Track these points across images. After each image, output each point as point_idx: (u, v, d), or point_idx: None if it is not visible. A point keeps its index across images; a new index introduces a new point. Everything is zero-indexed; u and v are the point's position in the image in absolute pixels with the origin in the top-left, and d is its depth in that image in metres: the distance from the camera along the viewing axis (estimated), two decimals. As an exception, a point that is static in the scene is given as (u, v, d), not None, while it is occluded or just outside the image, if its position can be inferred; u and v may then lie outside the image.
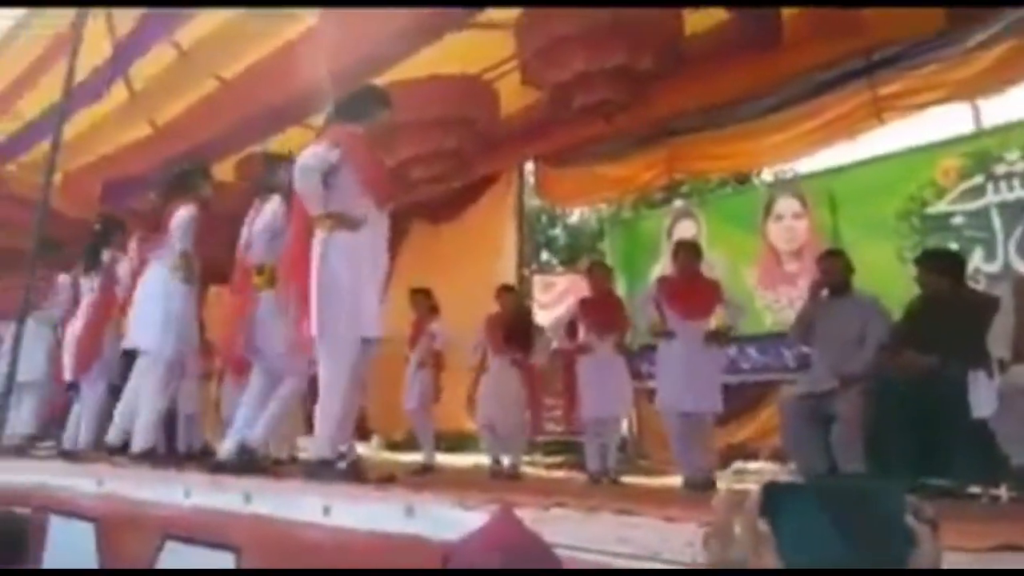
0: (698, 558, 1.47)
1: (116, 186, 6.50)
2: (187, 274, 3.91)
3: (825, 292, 3.77)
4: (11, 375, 4.47)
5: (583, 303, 4.80)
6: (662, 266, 5.65)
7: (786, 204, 5.79)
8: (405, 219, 7.12)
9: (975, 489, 3.00)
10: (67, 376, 4.66)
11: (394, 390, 5.55)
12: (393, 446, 8.13)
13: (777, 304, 5.64)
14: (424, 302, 5.44)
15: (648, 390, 5.53)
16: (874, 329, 3.48)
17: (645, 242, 6.29)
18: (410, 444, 6.22)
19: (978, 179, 4.82)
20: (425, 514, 1.89)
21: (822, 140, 5.16)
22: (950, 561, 0.99)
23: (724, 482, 4.25)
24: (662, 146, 5.87)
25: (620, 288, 5.91)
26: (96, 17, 4.86)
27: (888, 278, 4.60)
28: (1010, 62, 4.27)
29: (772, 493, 0.90)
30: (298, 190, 2.98)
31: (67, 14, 4.93)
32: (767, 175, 11.13)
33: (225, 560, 2.32)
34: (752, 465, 5.26)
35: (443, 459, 5.53)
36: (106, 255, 4.68)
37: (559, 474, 5.25)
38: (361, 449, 6.42)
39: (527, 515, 1.46)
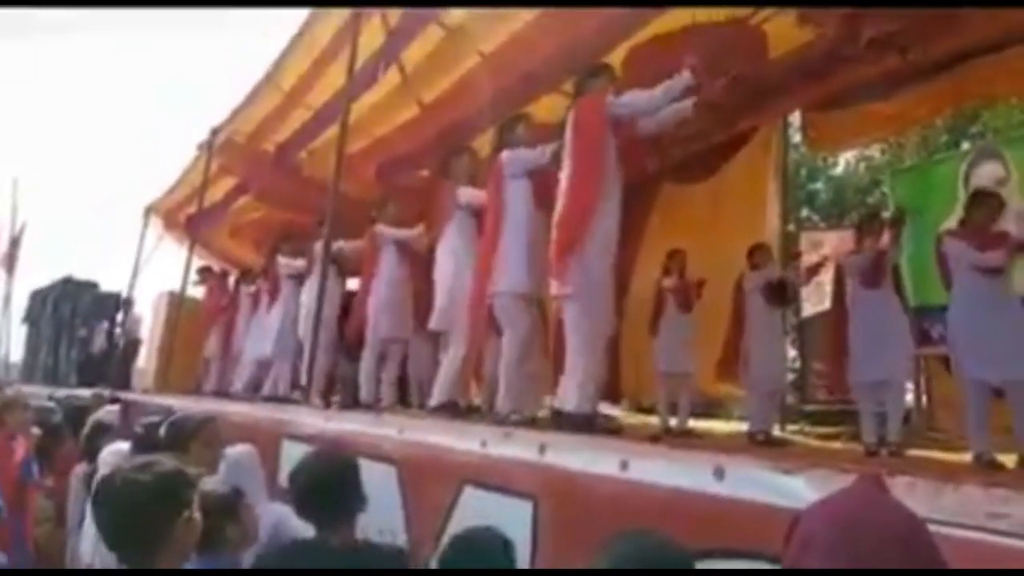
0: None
1: (388, 166, 7.12)
2: None
3: None
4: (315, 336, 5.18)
5: (847, 255, 4.44)
6: (958, 217, 4.91)
7: None
8: (654, 182, 6.99)
9: None
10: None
11: (645, 353, 5.51)
12: (642, 410, 8.12)
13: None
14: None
15: (940, 356, 4.92)
16: None
17: (936, 191, 5.49)
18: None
19: None
20: (738, 476, 1.80)
21: None
22: None
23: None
24: (948, 73, 5.10)
25: (907, 246, 5.29)
26: (371, 16, 5.32)
27: None
28: None
29: None
30: None
31: (344, 13, 5.47)
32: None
33: (522, 508, 2.42)
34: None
35: (692, 423, 5.39)
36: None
37: (835, 445, 4.86)
38: (613, 411, 6.52)
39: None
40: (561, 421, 3.25)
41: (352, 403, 5.29)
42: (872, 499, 1.06)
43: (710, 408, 6.73)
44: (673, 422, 5.22)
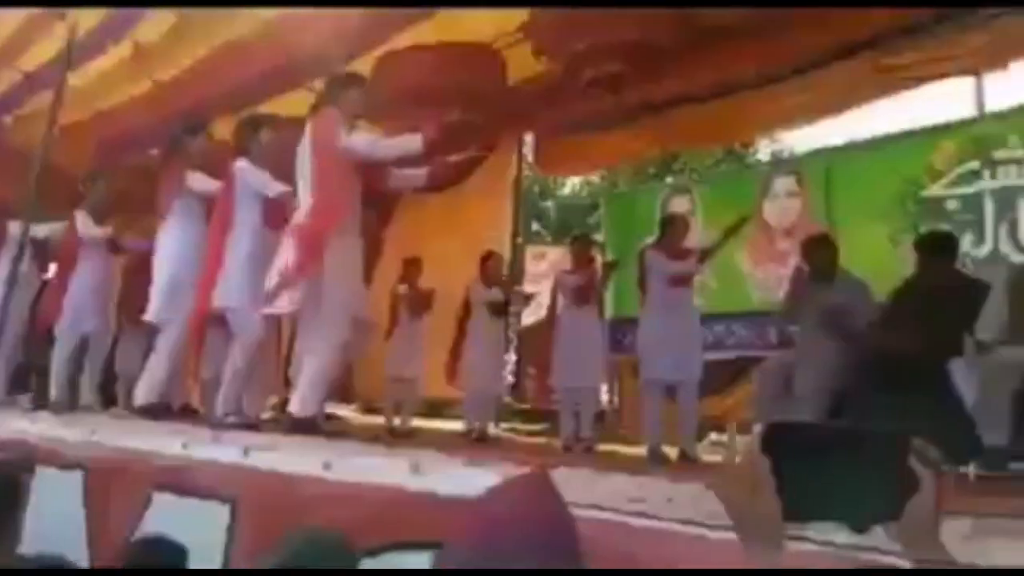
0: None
1: (112, 141, 6.44)
2: None
3: (808, 276, 3.90)
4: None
5: (562, 274, 4.99)
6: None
7: (782, 182, 5.77)
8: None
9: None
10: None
11: (378, 356, 5.57)
12: (372, 410, 8.22)
13: (766, 282, 5.65)
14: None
15: (630, 361, 5.52)
16: (859, 314, 3.54)
17: (639, 217, 6.32)
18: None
19: (974, 164, 4.76)
20: (432, 471, 1.92)
21: (819, 112, 5.27)
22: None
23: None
24: (655, 116, 5.85)
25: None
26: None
27: (880, 260, 4.63)
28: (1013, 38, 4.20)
29: (775, 431, 0.89)
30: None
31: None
32: (764, 155, 11.24)
33: (220, 512, 2.34)
34: (725, 437, 5.33)
35: (417, 423, 5.61)
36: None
37: (540, 440, 5.34)
38: (344, 412, 6.56)
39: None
40: (287, 424, 3.33)
41: (42, 403, 4.70)
42: (521, 493, 1.19)
43: (437, 408, 6.99)
44: (397, 422, 5.36)
